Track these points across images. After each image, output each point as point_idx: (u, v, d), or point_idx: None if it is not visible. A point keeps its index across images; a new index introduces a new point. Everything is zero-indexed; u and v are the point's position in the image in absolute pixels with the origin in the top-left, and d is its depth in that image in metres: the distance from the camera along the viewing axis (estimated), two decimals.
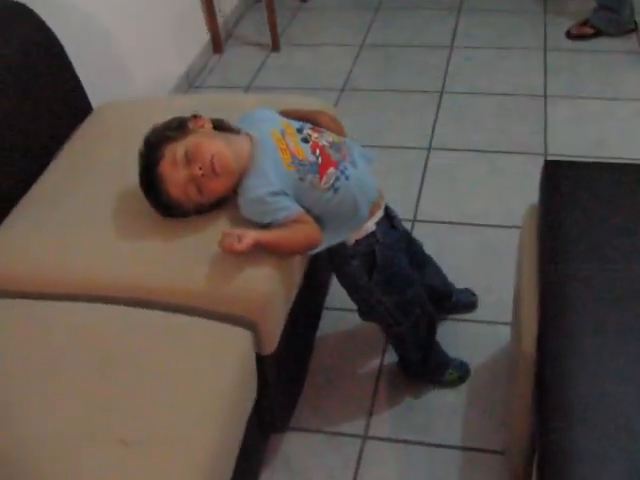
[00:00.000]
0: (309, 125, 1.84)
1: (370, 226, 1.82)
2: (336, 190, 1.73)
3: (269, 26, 3.87)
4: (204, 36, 3.87)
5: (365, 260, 1.84)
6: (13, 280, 1.79)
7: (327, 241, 1.78)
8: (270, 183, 1.69)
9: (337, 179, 1.73)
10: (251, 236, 1.60)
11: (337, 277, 1.96)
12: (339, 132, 1.91)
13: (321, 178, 1.72)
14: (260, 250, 1.64)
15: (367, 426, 2.10)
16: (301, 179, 1.71)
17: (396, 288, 1.91)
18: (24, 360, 1.58)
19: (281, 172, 1.71)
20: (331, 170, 1.73)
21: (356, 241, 1.82)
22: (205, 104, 2.14)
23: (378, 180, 1.87)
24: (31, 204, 1.95)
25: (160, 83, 3.38)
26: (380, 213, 1.85)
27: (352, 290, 1.95)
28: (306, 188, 1.72)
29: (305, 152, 1.74)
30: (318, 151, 1.75)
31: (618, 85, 3.38)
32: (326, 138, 1.80)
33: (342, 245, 1.82)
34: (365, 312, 2.02)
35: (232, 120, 1.88)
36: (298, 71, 3.76)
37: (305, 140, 1.77)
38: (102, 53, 2.92)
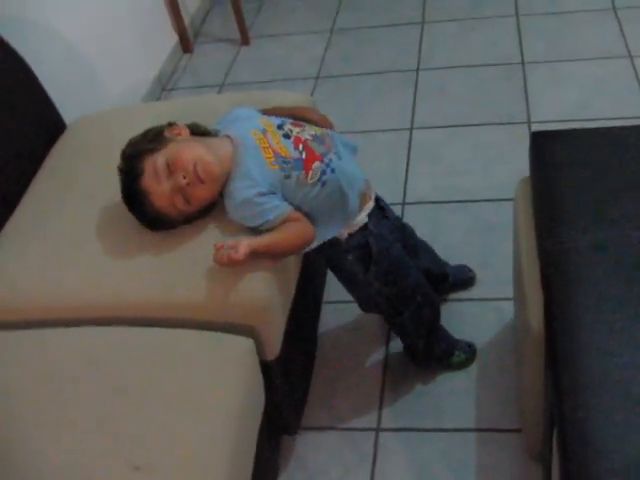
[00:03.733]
0: (290, 120, 1.80)
1: (362, 218, 1.79)
2: (323, 184, 1.70)
3: (236, 20, 3.82)
4: (172, 37, 3.81)
5: (360, 253, 1.81)
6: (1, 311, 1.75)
7: (320, 237, 1.75)
8: (256, 184, 1.65)
9: (323, 173, 1.70)
10: (245, 244, 1.57)
11: (334, 273, 1.93)
12: (327, 126, 1.88)
13: (307, 173, 1.69)
14: (255, 257, 1.60)
15: (379, 418, 2.08)
16: (287, 177, 1.68)
17: (394, 278, 1.88)
18: (29, 391, 1.55)
19: (265, 171, 1.67)
20: (316, 164, 1.70)
21: (349, 235, 1.79)
22: (181, 109, 2.11)
23: (363, 166, 1.84)
24: (14, 230, 1.91)
25: (133, 90, 3.33)
26: (371, 204, 1.82)
27: (351, 284, 1.92)
28: (293, 185, 1.69)
29: (288, 149, 1.70)
30: (301, 146, 1.71)
31: (594, 45, 3.34)
32: (308, 132, 1.76)
33: (336, 240, 1.78)
34: (365, 304, 1.99)
35: (210, 123, 1.84)
36: (271, 63, 3.71)
37: (287, 136, 1.73)
38: (70, 68, 2.87)
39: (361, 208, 1.79)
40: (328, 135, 1.79)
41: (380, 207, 1.88)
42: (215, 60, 3.82)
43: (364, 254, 1.81)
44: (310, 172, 1.69)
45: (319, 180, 1.70)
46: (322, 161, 1.71)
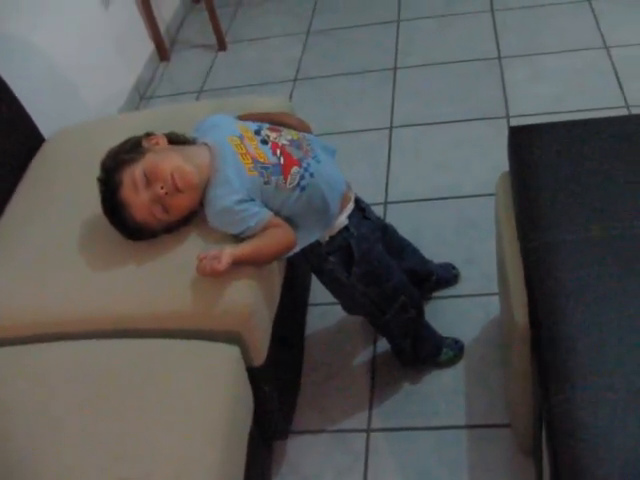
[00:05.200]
0: (267, 125, 1.80)
1: (342, 220, 1.79)
2: (303, 189, 1.70)
3: (212, 26, 3.81)
4: (148, 45, 3.80)
5: (342, 255, 1.81)
6: None
7: (302, 241, 1.74)
8: (235, 191, 1.65)
9: (302, 177, 1.70)
10: (228, 254, 1.57)
11: (317, 277, 1.93)
12: (305, 130, 1.88)
13: (285, 179, 1.68)
14: (238, 265, 1.60)
15: (369, 419, 2.08)
16: (266, 182, 1.67)
17: (377, 279, 1.88)
18: (14, 408, 1.54)
19: (244, 178, 1.67)
20: (295, 169, 1.69)
21: (330, 238, 1.79)
22: (159, 118, 2.10)
23: (344, 168, 1.84)
24: None
25: (111, 100, 3.32)
26: (351, 206, 1.82)
27: (334, 287, 1.92)
28: (272, 191, 1.68)
29: (266, 154, 1.70)
30: (279, 151, 1.71)
31: (570, 37, 3.35)
32: (285, 137, 1.76)
33: (317, 243, 1.78)
34: (349, 307, 1.99)
35: (189, 130, 1.83)
36: (248, 67, 3.71)
37: (264, 142, 1.73)
38: (46, 80, 2.86)
39: (341, 210, 1.79)
40: (305, 139, 1.79)
41: (360, 208, 1.88)
42: (193, 67, 3.81)
43: (346, 256, 1.81)
44: (289, 177, 1.69)
45: (298, 185, 1.70)
46: (300, 166, 1.71)
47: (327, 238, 1.79)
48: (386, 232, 2.08)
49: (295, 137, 1.77)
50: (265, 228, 1.66)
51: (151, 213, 1.65)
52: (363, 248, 1.82)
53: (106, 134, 1.94)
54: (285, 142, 1.74)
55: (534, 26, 3.48)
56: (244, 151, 1.70)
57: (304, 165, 1.71)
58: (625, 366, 1.31)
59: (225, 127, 1.79)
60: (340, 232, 1.80)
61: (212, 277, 1.59)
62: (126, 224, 1.69)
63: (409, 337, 2.04)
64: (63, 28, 3.00)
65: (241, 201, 1.64)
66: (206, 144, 1.75)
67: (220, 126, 1.81)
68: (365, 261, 1.83)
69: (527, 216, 1.64)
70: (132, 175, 1.63)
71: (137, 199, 1.63)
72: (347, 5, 4.00)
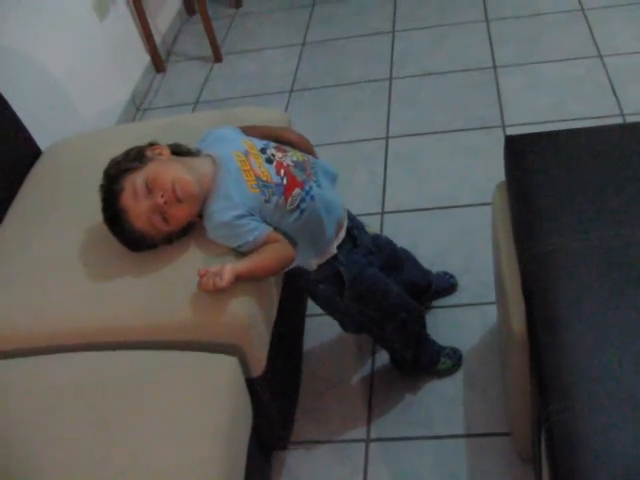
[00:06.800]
0: (273, 144, 1.79)
1: (332, 250, 1.79)
2: (302, 211, 1.70)
3: (208, 37, 3.82)
4: (144, 57, 3.81)
5: (332, 282, 1.82)
6: None
7: (297, 260, 1.75)
8: (235, 206, 1.65)
9: (302, 200, 1.69)
10: (229, 270, 1.57)
11: (312, 300, 1.93)
12: (307, 148, 1.87)
13: (286, 199, 1.68)
14: (239, 280, 1.60)
15: (369, 429, 2.07)
16: (266, 201, 1.67)
17: (372, 299, 1.88)
18: (17, 421, 1.54)
19: (245, 194, 1.66)
20: (296, 191, 1.69)
21: (318, 267, 1.79)
22: (156, 129, 2.10)
23: (340, 178, 1.85)
24: None
25: (107, 112, 3.33)
26: (342, 235, 1.82)
27: (329, 309, 1.94)
28: (271, 209, 1.68)
29: (270, 173, 1.69)
30: (283, 172, 1.70)
31: (564, 46, 3.36)
32: (291, 157, 1.75)
33: (306, 272, 1.79)
34: (348, 326, 2.00)
35: (185, 142, 1.83)
36: (244, 79, 3.72)
37: (269, 160, 1.72)
38: (43, 92, 2.86)
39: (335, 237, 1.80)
40: (309, 162, 1.78)
41: (352, 236, 1.86)
42: (188, 78, 3.82)
43: (336, 282, 1.82)
44: (290, 198, 1.68)
45: (298, 207, 1.69)
46: (302, 188, 1.70)
47: (315, 267, 1.79)
48: (382, 252, 2.04)
49: (300, 159, 1.76)
50: (264, 243, 1.66)
51: (150, 222, 1.64)
52: (353, 274, 1.82)
53: (103, 146, 1.94)
54: (290, 163, 1.73)
55: (529, 35, 3.50)
56: (248, 167, 1.69)
57: (306, 188, 1.71)
58: (624, 373, 1.31)
59: (231, 141, 1.78)
60: (328, 261, 1.80)
61: (214, 294, 1.59)
62: (125, 233, 1.68)
63: (410, 348, 2.04)
64: (59, 40, 3.01)
65: (240, 216, 1.64)
66: (210, 156, 1.75)
67: (226, 140, 1.80)
68: (356, 286, 1.83)
69: (524, 225, 1.64)
70: (133, 183, 1.63)
71: (136, 206, 1.63)
72: (342, 16, 4.02)
